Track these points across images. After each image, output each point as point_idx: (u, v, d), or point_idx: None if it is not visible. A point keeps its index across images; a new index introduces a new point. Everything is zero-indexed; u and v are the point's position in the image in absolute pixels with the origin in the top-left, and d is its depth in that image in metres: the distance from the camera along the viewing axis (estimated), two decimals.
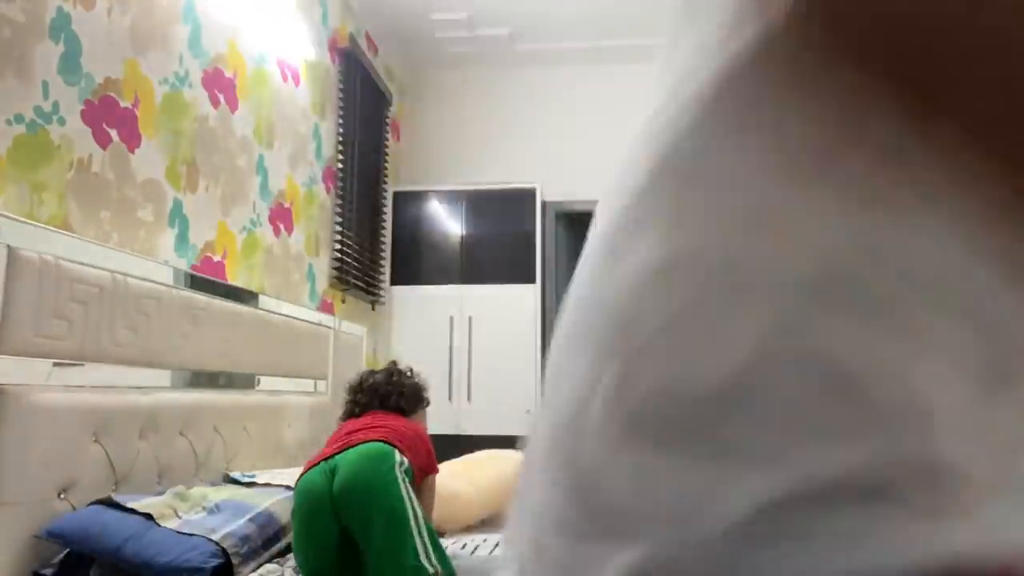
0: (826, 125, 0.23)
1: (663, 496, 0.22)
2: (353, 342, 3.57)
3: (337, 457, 1.62)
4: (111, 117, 1.94)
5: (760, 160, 0.24)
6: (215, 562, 1.47)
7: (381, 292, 4.14)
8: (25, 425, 1.51)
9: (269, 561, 1.67)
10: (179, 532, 1.53)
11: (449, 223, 4.33)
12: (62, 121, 1.76)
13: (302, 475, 1.64)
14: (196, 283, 2.25)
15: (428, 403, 2.03)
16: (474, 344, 4.12)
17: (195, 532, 1.53)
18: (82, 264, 1.71)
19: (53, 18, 1.74)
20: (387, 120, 4.37)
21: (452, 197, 4.34)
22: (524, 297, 4.14)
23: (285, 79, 3.04)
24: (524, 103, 4.63)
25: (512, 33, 4.30)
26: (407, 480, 1.58)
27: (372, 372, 2.01)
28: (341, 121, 3.67)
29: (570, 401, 0.26)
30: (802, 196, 0.23)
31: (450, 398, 4.06)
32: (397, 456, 1.60)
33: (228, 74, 2.56)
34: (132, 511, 1.56)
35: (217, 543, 1.51)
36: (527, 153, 4.53)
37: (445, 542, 1.90)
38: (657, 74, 0.30)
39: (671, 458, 0.22)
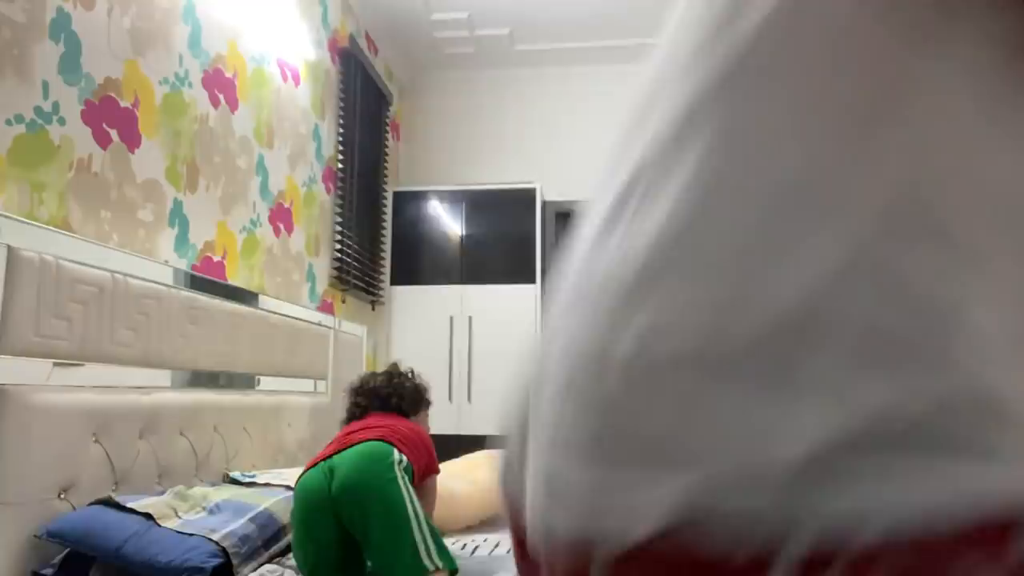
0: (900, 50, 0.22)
1: (719, 426, 0.21)
2: (353, 342, 3.57)
3: (335, 457, 1.62)
4: (111, 117, 1.94)
5: (837, 83, 0.23)
6: (215, 562, 1.47)
7: (381, 292, 4.14)
8: (25, 425, 1.51)
9: (269, 561, 1.67)
10: (179, 532, 1.53)
11: (449, 223, 4.33)
12: (62, 121, 1.76)
13: (302, 475, 1.64)
14: (196, 283, 2.25)
15: (430, 404, 2.03)
16: (474, 344, 4.12)
17: (195, 532, 1.53)
18: (82, 264, 1.71)
19: (53, 18, 1.74)
20: (387, 120, 4.37)
21: (452, 197, 4.34)
22: (524, 297, 4.14)
23: (285, 79, 3.04)
24: (524, 103, 4.63)
25: (512, 33, 4.30)
26: (406, 478, 1.57)
27: (373, 375, 2.01)
28: (341, 121, 3.67)
29: (590, 342, 0.26)
30: (881, 122, 0.22)
31: (450, 398, 4.06)
32: (396, 454, 1.60)
33: (228, 74, 2.56)
34: (132, 511, 1.56)
35: (217, 543, 1.51)
36: (527, 153, 4.53)
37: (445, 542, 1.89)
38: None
39: (728, 389, 0.21)
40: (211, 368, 2.28)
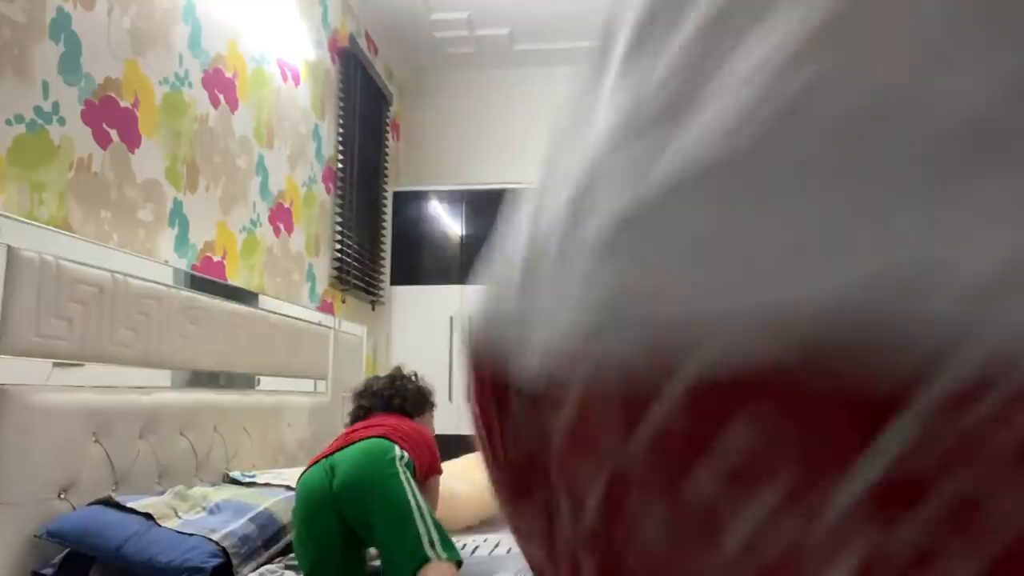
0: None
1: (889, 221, 0.18)
2: (353, 342, 3.57)
3: (336, 454, 1.62)
4: (111, 117, 1.94)
5: None
6: (215, 562, 1.47)
7: (381, 292, 4.14)
8: (25, 425, 1.51)
9: (269, 561, 1.67)
10: (179, 532, 1.53)
11: (449, 223, 4.33)
12: (62, 121, 1.76)
13: (303, 473, 1.64)
14: (196, 283, 2.25)
15: (434, 407, 2.04)
16: None
17: (195, 532, 1.53)
18: (82, 264, 1.71)
19: (53, 18, 1.74)
20: (387, 120, 4.37)
21: (452, 197, 4.34)
22: None
23: (285, 79, 3.04)
24: (524, 103, 4.63)
25: (512, 33, 4.30)
26: (408, 472, 1.57)
27: (376, 378, 2.02)
28: (341, 121, 3.67)
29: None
30: (963, 33, 0.19)
31: (450, 398, 4.05)
32: (396, 450, 1.60)
33: (228, 74, 2.56)
34: (132, 511, 1.56)
35: (217, 543, 1.51)
36: (527, 153, 4.52)
37: None
38: None
39: (901, 184, 0.18)
40: (211, 368, 2.28)
